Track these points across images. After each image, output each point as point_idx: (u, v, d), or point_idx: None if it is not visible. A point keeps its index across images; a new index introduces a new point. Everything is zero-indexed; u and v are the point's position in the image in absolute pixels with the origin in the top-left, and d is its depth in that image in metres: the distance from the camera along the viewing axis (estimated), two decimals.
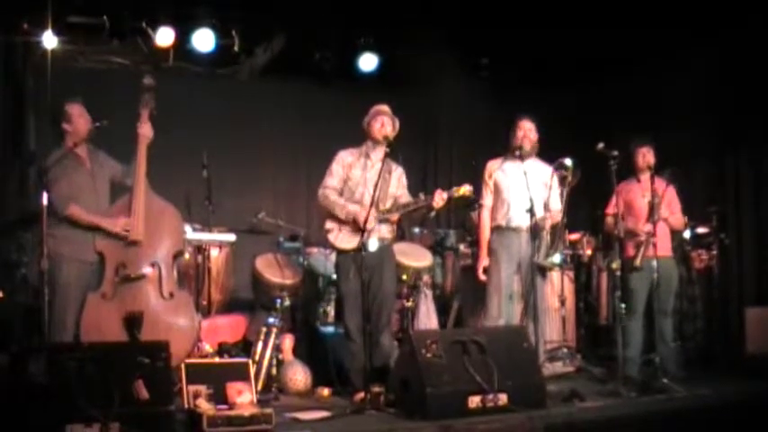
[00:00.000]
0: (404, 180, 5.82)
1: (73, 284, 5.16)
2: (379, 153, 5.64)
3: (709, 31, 7.36)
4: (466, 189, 5.52)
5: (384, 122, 5.63)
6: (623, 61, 8.15)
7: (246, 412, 4.49)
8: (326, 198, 5.65)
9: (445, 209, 5.80)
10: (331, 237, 5.62)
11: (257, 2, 7.41)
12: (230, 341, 6.05)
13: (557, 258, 6.14)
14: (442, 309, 7.19)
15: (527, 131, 5.98)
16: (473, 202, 6.63)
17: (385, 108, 5.71)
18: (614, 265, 6.10)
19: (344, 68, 8.34)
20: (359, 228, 5.41)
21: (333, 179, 5.69)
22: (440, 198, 5.43)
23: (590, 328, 7.55)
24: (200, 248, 6.52)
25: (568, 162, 5.84)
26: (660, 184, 6.09)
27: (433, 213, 5.71)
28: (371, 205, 5.39)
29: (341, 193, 5.66)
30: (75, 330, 5.07)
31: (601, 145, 5.85)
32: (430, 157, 9.43)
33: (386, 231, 5.68)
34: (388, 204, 5.64)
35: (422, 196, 5.56)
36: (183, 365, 4.76)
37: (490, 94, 8.73)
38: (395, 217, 5.70)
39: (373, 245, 5.51)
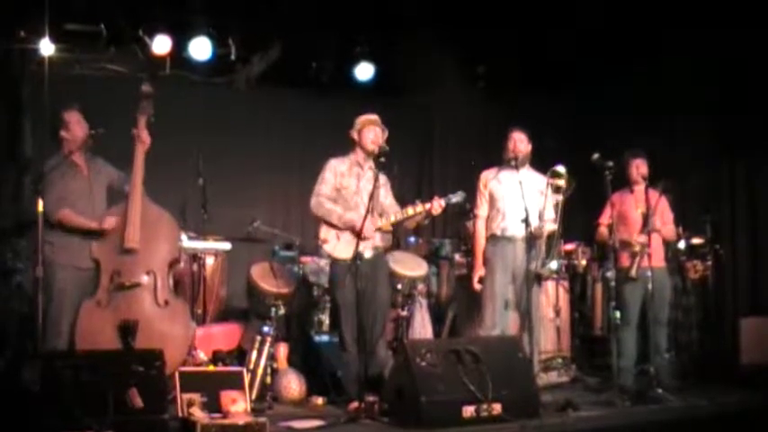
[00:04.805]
0: (389, 187, 5.87)
1: (68, 291, 5.16)
2: (369, 161, 5.65)
3: (707, 34, 7.38)
4: (460, 196, 5.56)
5: (377, 133, 5.64)
6: (620, 68, 8.19)
7: (240, 421, 4.48)
8: (321, 206, 5.65)
9: (440, 215, 5.81)
10: (328, 247, 5.61)
11: (254, 11, 7.42)
12: (225, 349, 6.03)
13: (554, 265, 6.15)
14: (437, 318, 7.18)
15: (517, 142, 6.00)
16: (468, 212, 6.64)
17: (375, 118, 5.71)
18: (609, 275, 6.11)
19: (341, 77, 8.34)
20: (356, 236, 5.42)
21: (326, 187, 5.68)
22: (438, 205, 5.45)
23: (585, 338, 7.54)
24: (195, 257, 6.52)
25: (561, 169, 5.86)
26: (653, 194, 6.11)
27: (427, 221, 5.72)
28: (367, 214, 5.39)
29: (335, 202, 5.66)
30: (70, 338, 5.07)
31: (596, 155, 5.87)
32: (426, 165, 9.43)
33: (379, 240, 5.69)
34: (384, 219, 5.65)
35: (419, 203, 5.57)
36: (177, 373, 4.76)
37: (487, 101, 8.76)
38: (390, 227, 5.71)
39: (367, 253, 5.52)
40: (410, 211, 5.60)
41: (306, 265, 6.90)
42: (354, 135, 5.70)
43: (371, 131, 5.64)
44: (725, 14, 7.05)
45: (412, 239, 7.84)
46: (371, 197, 5.41)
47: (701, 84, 7.70)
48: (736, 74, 7.46)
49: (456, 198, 5.58)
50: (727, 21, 7.12)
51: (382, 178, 5.70)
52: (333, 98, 8.22)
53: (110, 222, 5.27)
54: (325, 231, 5.63)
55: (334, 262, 5.63)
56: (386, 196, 5.76)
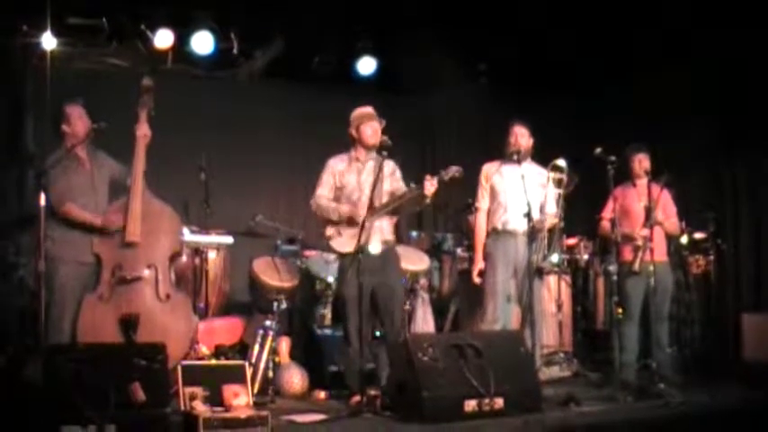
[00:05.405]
0: (398, 174, 5.75)
1: (70, 286, 5.16)
2: (370, 155, 5.63)
3: (706, 35, 7.37)
4: (455, 171, 5.39)
5: (375, 128, 5.59)
6: (621, 65, 8.18)
7: (242, 414, 4.48)
8: (319, 206, 5.61)
9: (438, 195, 5.66)
10: (333, 243, 5.58)
11: (257, 5, 7.42)
12: (227, 343, 6.05)
13: (555, 258, 6.14)
14: (439, 312, 7.19)
15: (519, 136, 5.98)
16: (470, 205, 6.64)
17: (371, 111, 5.64)
18: (611, 270, 6.11)
19: (343, 72, 8.35)
20: (356, 225, 5.38)
21: (323, 188, 5.65)
22: (430, 184, 5.34)
23: (587, 332, 7.55)
24: (197, 251, 6.52)
25: (562, 162, 5.87)
26: (655, 188, 6.11)
27: (427, 202, 5.60)
28: (370, 204, 5.35)
29: (336, 201, 5.62)
30: (72, 332, 5.07)
31: (598, 150, 5.85)
32: (427, 160, 9.42)
33: (388, 233, 5.65)
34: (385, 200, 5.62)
35: (412, 185, 5.50)
36: (179, 367, 4.76)
37: (488, 97, 8.76)
38: (391, 216, 5.65)
39: (375, 247, 5.48)
40: (402, 194, 5.55)
41: (311, 259, 6.90)
42: (353, 132, 5.65)
43: (369, 127, 5.59)
44: (725, 14, 7.04)
45: (414, 234, 7.84)
46: (374, 187, 5.37)
47: (703, 82, 7.69)
48: (737, 73, 7.46)
49: (450, 173, 5.36)
50: (728, 21, 7.11)
51: (388, 168, 5.65)
52: (335, 92, 8.21)
53: (113, 222, 5.27)
54: (330, 229, 5.61)
55: (340, 257, 5.62)
56: (391, 183, 5.65)
